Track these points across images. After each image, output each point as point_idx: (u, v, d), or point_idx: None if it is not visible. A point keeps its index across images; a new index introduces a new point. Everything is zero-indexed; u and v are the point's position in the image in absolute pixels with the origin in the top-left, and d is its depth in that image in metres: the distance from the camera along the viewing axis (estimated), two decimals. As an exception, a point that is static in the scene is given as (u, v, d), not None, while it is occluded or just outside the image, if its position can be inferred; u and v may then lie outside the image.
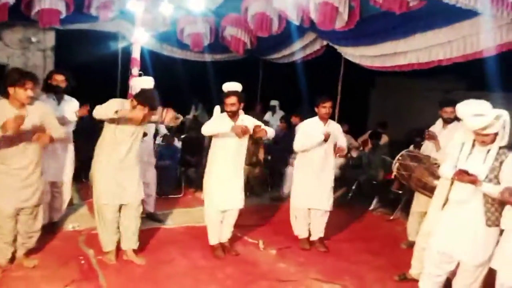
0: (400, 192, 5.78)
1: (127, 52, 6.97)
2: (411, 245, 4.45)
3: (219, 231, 4.36)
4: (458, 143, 3.42)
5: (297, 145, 4.67)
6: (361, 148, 7.60)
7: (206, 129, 4.25)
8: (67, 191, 4.61)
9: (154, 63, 7.55)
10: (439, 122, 4.79)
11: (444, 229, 3.37)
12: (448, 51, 5.16)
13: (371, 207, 6.33)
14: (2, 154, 3.38)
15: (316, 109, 4.67)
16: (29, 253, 3.78)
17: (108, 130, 3.81)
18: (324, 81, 7.94)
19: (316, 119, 4.68)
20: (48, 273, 3.62)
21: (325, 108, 4.60)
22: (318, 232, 4.72)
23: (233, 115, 4.25)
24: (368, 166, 6.74)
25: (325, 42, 7.43)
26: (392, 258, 4.55)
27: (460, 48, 5.01)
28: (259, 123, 4.34)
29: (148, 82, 4.68)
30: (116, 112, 3.53)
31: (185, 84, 9.23)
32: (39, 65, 8.78)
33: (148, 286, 3.61)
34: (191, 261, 4.15)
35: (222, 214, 4.32)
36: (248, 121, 4.31)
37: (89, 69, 7.86)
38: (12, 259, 3.65)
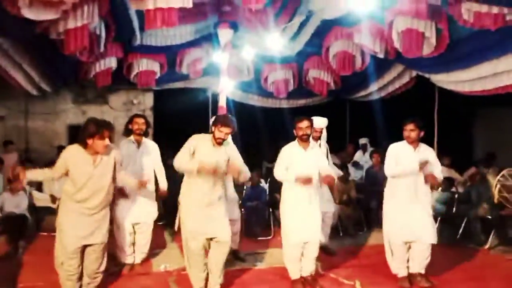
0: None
1: (216, 102, 7.30)
2: None
3: (299, 265, 4.18)
4: None
5: (388, 169, 4.28)
6: (468, 184, 6.84)
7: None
8: (149, 232, 4.72)
9: (240, 113, 7.81)
10: None
11: None
12: None
13: (487, 246, 5.52)
14: (79, 196, 3.56)
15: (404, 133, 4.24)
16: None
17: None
18: (418, 115, 7.48)
19: (404, 142, 4.28)
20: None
21: (409, 131, 4.18)
22: (418, 267, 4.19)
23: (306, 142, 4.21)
24: (478, 201, 5.98)
25: (414, 73, 7.07)
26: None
27: None
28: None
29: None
30: (198, 171, 3.72)
31: (271, 132, 9.33)
32: (139, 124, 9.70)
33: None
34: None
35: (301, 248, 4.13)
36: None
37: (184, 122, 8.38)
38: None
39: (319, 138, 5.10)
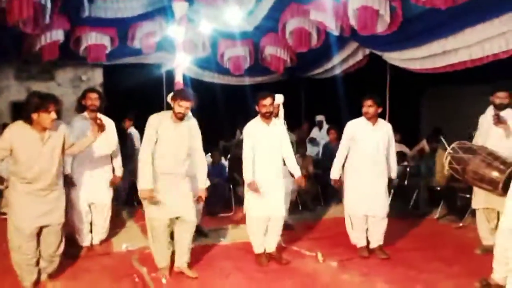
0: (468, 196, 5.33)
1: (171, 79, 7.11)
2: (487, 249, 4.01)
3: (263, 239, 4.25)
4: None
5: (340, 152, 4.50)
6: (418, 157, 7.21)
7: None
8: (106, 212, 4.58)
9: (197, 90, 7.66)
10: (490, 109, 4.43)
11: None
12: (504, 44, 4.81)
13: (437, 215, 5.88)
14: (29, 176, 3.35)
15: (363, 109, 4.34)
16: (54, 276, 3.72)
17: None
18: (371, 92, 7.71)
19: (362, 119, 4.39)
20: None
21: (367, 107, 4.30)
22: (377, 240, 4.40)
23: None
24: (427, 173, 6.33)
25: (367, 51, 7.24)
26: (467, 265, 4.10)
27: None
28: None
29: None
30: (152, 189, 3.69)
31: (227, 110, 9.26)
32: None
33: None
34: (247, 274, 3.98)
35: (265, 223, 4.20)
36: None
37: (136, 99, 8.11)
38: (36, 282, 3.56)
39: (277, 115, 5.13)
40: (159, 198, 3.71)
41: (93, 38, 7.17)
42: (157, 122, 3.76)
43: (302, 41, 6.88)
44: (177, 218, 3.83)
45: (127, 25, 7.20)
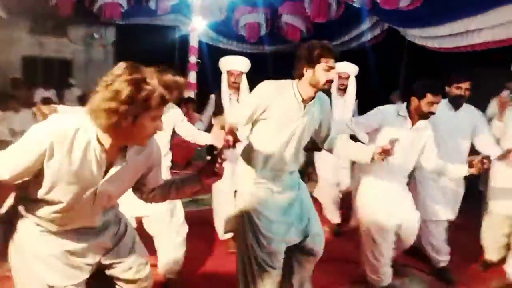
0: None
1: (184, 43, 7.02)
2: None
3: None
4: None
5: None
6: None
7: None
8: None
9: (212, 56, 7.55)
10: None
11: None
12: (528, 27, 4.71)
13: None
14: None
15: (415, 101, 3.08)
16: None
17: None
18: (385, 70, 7.59)
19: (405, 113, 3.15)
20: None
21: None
22: None
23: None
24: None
25: (386, 26, 7.08)
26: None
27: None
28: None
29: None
30: None
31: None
32: (100, 60, 9.14)
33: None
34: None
35: None
36: None
37: (148, 61, 8.00)
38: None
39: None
40: None
41: (109, -4, 7.07)
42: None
43: (321, 11, 6.74)
44: None
45: (144, -16, 7.08)
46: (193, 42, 6.25)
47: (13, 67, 8.52)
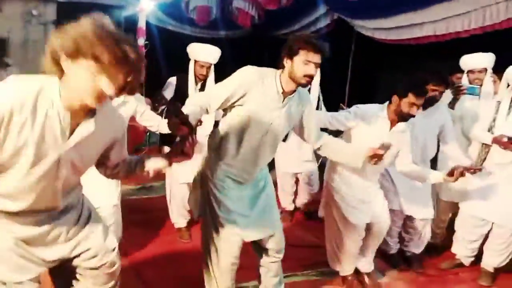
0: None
1: (131, 23, 6.73)
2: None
3: None
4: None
5: None
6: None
7: None
8: None
9: (161, 38, 7.29)
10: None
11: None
12: (467, 23, 4.99)
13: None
14: None
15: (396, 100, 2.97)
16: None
17: None
18: (336, 58, 7.74)
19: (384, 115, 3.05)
20: None
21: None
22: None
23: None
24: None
25: (336, 16, 7.22)
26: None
27: (479, 20, 4.86)
28: None
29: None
30: None
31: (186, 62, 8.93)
32: (40, 39, 8.58)
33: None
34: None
35: None
36: None
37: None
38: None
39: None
40: None
41: (48, -30, 6.61)
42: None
43: (272, -2, 6.76)
44: None
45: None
46: (141, 24, 6.01)
47: None
